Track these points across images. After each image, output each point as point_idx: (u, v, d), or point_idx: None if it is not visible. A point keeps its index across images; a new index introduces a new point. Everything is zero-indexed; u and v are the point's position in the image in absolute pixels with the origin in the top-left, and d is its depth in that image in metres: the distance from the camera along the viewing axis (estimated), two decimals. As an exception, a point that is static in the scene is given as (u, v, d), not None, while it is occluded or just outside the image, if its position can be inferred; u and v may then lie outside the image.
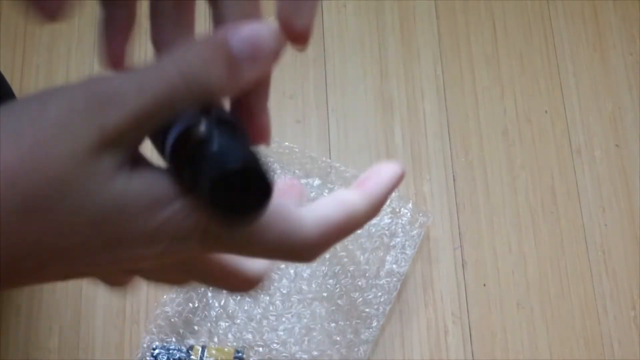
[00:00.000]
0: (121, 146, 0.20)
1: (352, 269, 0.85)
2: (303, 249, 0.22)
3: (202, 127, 0.20)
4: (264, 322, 0.83)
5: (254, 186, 0.20)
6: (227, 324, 0.83)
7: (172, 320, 0.83)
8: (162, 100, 0.20)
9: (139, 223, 0.20)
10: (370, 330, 0.83)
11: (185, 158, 0.20)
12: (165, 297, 0.84)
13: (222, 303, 0.84)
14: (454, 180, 0.92)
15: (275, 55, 0.21)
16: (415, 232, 0.87)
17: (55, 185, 0.18)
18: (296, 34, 0.22)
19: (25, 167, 0.18)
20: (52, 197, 0.18)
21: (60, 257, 0.19)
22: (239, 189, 0.20)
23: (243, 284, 0.24)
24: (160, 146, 0.22)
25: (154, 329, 0.82)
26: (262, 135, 0.24)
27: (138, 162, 0.21)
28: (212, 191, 0.20)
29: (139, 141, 0.21)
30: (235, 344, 0.82)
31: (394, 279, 0.85)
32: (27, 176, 0.18)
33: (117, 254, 0.20)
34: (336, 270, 0.86)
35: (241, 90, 0.21)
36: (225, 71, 0.20)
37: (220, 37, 0.20)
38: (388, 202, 0.87)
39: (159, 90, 0.20)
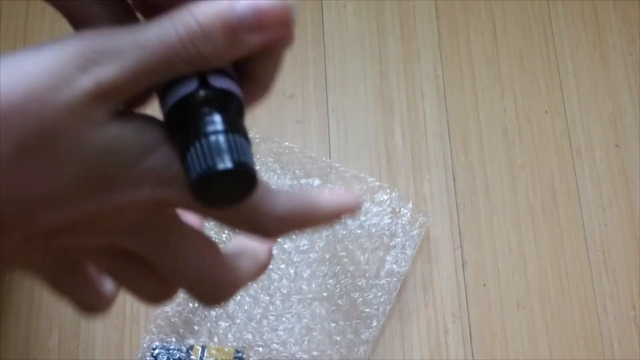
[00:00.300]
0: (115, 99, 0.20)
1: (352, 269, 0.85)
2: (269, 219, 0.23)
3: (198, 96, 0.21)
4: (264, 322, 0.83)
5: (240, 179, 0.20)
6: (227, 324, 0.83)
7: (172, 320, 0.83)
8: (159, 61, 0.20)
9: (129, 166, 0.20)
10: (370, 330, 0.83)
11: (179, 126, 0.21)
12: (165, 297, 0.84)
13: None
14: (454, 180, 0.92)
15: (283, 24, 0.21)
16: (415, 232, 0.87)
17: (49, 132, 0.19)
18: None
19: (19, 115, 0.18)
20: (46, 143, 0.19)
21: (49, 202, 0.20)
22: (224, 182, 0.20)
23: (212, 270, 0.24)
24: (161, 102, 0.22)
25: (154, 329, 0.82)
26: (258, 96, 0.24)
27: (130, 112, 0.21)
28: (196, 186, 0.20)
29: (134, 95, 0.21)
30: (235, 344, 0.82)
31: (394, 279, 0.85)
32: (20, 124, 0.18)
33: (105, 199, 0.20)
34: (336, 270, 0.86)
35: (244, 55, 0.21)
36: (226, 39, 0.20)
37: (225, 3, 0.20)
38: (388, 202, 0.87)
39: (156, 52, 0.20)
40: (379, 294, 0.84)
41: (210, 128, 0.20)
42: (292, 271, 0.85)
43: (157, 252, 0.23)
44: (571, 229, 0.90)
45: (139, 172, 0.20)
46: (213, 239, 0.24)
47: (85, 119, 0.19)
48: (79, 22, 0.22)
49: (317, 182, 0.89)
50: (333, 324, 0.84)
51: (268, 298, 0.84)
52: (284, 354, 0.82)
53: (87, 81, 0.19)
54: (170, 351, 0.80)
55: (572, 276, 0.88)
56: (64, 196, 0.20)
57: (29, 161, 0.19)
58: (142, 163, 0.20)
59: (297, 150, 0.90)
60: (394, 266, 0.86)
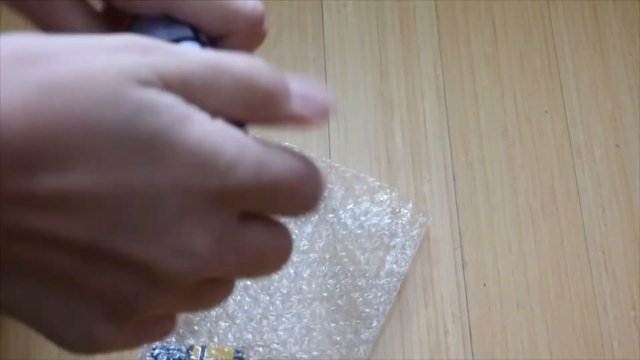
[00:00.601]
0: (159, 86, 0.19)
1: (352, 269, 0.85)
2: None
3: None
4: (264, 322, 0.83)
5: None
6: (227, 324, 0.83)
7: (172, 320, 0.83)
8: (205, 81, 0.20)
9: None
10: (370, 330, 0.83)
11: None
12: (165, 297, 0.84)
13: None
14: (454, 180, 0.92)
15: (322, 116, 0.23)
16: (415, 232, 0.87)
17: (102, 95, 0.18)
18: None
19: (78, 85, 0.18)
20: (96, 103, 0.18)
21: (87, 153, 0.18)
22: None
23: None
24: None
25: (154, 329, 0.82)
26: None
27: None
28: None
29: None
30: (235, 344, 0.82)
31: (394, 279, 0.85)
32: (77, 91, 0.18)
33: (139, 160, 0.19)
34: (336, 270, 0.86)
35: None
36: (278, 101, 0.22)
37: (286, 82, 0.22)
38: (388, 202, 0.87)
39: (203, 75, 0.20)
40: (379, 294, 0.85)
41: None
42: (292, 271, 0.85)
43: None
44: (571, 229, 0.90)
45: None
46: None
47: (135, 90, 0.19)
48: (48, 25, 0.22)
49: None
50: (333, 324, 0.84)
51: (268, 298, 0.84)
52: (284, 354, 0.82)
53: (141, 66, 0.19)
54: (170, 351, 0.80)
55: (572, 276, 0.88)
56: (104, 154, 0.19)
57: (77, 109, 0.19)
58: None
59: (297, 150, 0.90)
60: (394, 266, 0.86)
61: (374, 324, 0.83)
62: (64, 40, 0.19)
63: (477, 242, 0.89)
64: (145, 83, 0.18)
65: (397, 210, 0.88)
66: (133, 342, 0.21)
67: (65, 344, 0.20)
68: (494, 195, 0.91)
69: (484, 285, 0.87)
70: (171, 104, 0.19)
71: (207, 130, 0.19)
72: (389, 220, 0.88)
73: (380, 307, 0.84)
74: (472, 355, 0.84)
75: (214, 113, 0.20)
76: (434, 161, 0.93)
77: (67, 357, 0.83)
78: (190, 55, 0.20)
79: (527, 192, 0.92)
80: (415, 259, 0.88)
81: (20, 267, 0.19)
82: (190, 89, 0.19)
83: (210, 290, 0.22)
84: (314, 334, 0.83)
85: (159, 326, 0.22)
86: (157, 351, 0.80)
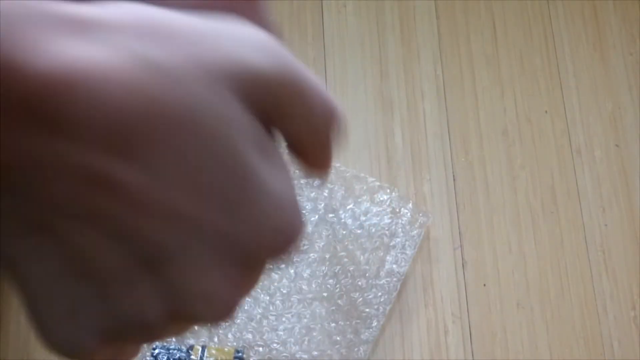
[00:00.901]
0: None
1: (352, 269, 0.85)
2: None
3: None
4: (264, 322, 0.83)
5: None
6: (227, 323, 0.83)
7: (172, 320, 0.83)
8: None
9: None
10: (370, 330, 0.83)
11: None
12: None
13: (222, 303, 0.84)
14: (454, 180, 0.92)
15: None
16: (415, 232, 0.87)
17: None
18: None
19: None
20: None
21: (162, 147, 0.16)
22: None
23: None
24: None
25: (154, 329, 0.82)
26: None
27: None
28: None
29: None
30: (235, 344, 0.82)
31: (394, 279, 0.85)
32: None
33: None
34: (336, 270, 0.86)
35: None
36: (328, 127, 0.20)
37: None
38: (388, 202, 0.87)
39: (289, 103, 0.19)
40: (379, 294, 0.85)
41: None
42: (292, 271, 0.85)
43: None
44: (571, 229, 0.90)
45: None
46: None
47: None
48: None
49: (317, 182, 0.89)
50: (333, 324, 0.84)
51: (268, 298, 0.84)
52: (284, 354, 0.82)
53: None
54: (171, 351, 0.80)
55: (572, 276, 0.88)
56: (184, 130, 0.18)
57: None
58: None
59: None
60: (394, 266, 0.86)
61: (374, 324, 0.83)
62: (189, 22, 0.17)
63: (477, 242, 0.89)
64: (244, 94, 0.17)
65: (397, 210, 0.88)
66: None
67: (48, 338, 0.18)
68: (494, 195, 0.91)
69: (484, 285, 0.87)
70: (257, 128, 0.18)
71: (286, 184, 0.19)
72: (389, 220, 0.88)
73: (380, 307, 0.84)
74: (472, 355, 0.84)
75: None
76: (434, 161, 0.93)
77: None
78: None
79: (527, 192, 0.92)
80: (415, 259, 0.88)
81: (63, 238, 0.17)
82: (273, 113, 0.18)
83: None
84: (314, 333, 0.83)
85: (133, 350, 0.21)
86: (157, 351, 0.80)
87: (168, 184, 0.16)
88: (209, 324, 0.19)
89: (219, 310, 0.19)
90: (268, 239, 0.18)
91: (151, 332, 0.19)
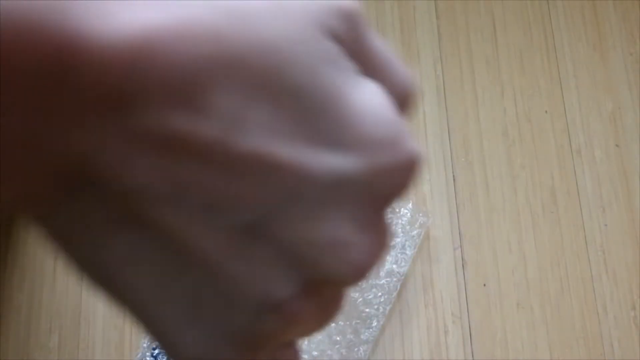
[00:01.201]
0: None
1: (352, 269, 0.86)
2: None
3: None
4: (264, 322, 0.83)
5: None
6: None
7: (172, 320, 0.83)
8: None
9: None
10: (370, 330, 0.83)
11: None
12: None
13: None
14: (454, 180, 0.92)
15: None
16: (415, 232, 0.87)
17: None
18: None
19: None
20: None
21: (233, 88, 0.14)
22: None
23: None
24: None
25: (154, 329, 0.82)
26: None
27: None
28: None
29: None
30: (235, 344, 0.82)
31: (394, 279, 0.85)
32: None
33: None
34: (336, 270, 0.86)
35: None
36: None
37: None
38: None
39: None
40: (379, 294, 0.85)
41: None
42: (292, 271, 0.85)
43: None
44: (571, 229, 0.90)
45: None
46: None
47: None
48: None
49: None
50: (333, 324, 0.84)
51: (268, 298, 0.84)
52: (284, 354, 0.82)
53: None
54: (170, 351, 0.80)
55: (572, 276, 0.88)
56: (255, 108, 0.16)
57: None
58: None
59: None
60: (394, 266, 0.86)
61: (374, 324, 0.83)
62: None
63: (477, 242, 0.89)
64: (334, 32, 0.16)
65: (397, 210, 0.88)
66: None
67: (179, 354, 0.16)
68: (494, 195, 0.92)
69: (484, 285, 0.87)
70: (350, 64, 0.16)
71: (385, 105, 0.16)
72: (389, 221, 0.88)
73: (380, 307, 0.84)
74: (472, 355, 0.84)
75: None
76: (434, 161, 0.93)
77: (67, 357, 0.83)
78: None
79: (527, 192, 0.92)
80: (415, 259, 0.88)
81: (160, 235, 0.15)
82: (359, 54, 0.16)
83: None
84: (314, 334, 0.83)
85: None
86: (157, 351, 0.80)
87: (257, 129, 0.14)
88: (351, 284, 0.16)
89: (355, 260, 0.16)
90: (383, 165, 0.16)
91: (294, 317, 0.16)
